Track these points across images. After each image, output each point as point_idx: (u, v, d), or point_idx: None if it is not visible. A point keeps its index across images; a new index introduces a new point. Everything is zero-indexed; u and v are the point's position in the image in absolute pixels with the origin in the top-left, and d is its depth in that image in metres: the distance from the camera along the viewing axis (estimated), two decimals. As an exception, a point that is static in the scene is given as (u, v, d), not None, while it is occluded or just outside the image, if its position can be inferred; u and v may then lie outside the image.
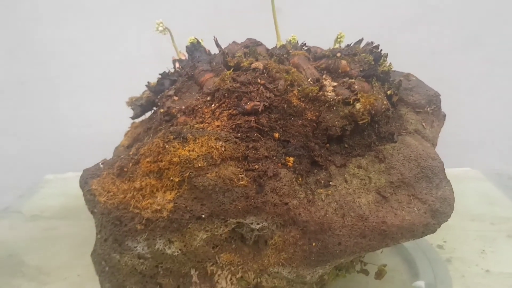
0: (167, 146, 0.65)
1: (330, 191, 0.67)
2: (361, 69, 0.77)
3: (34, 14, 1.57)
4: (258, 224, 0.65)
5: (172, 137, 0.65)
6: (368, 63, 0.78)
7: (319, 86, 0.71)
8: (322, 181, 0.68)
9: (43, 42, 1.60)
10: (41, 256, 1.01)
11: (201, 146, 0.64)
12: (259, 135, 0.67)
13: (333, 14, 1.50)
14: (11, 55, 1.61)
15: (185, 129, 0.66)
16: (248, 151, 0.65)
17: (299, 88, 0.70)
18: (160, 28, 0.84)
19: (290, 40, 0.85)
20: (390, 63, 0.79)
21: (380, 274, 0.79)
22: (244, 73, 0.73)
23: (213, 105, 0.70)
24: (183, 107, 0.73)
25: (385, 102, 0.74)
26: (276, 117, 0.68)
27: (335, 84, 0.73)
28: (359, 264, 0.81)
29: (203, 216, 0.63)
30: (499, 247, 0.99)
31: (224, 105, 0.69)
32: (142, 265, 0.67)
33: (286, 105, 0.69)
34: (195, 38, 0.82)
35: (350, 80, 0.74)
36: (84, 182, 0.69)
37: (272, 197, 0.64)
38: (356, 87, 0.72)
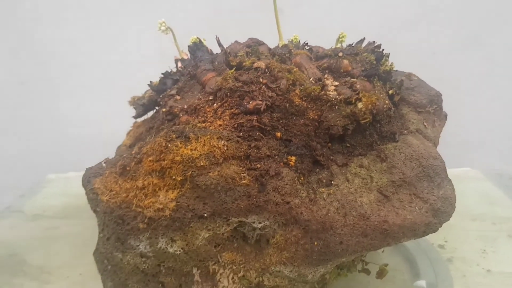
0: (169, 145, 0.65)
1: (332, 190, 0.67)
2: (363, 68, 0.77)
3: (34, 14, 1.58)
4: (260, 223, 0.65)
5: (174, 136, 0.65)
6: (370, 62, 0.78)
7: (321, 85, 0.71)
8: (324, 180, 0.68)
9: (44, 42, 1.61)
10: (43, 255, 1.01)
11: (204, 145, 0.64)
12: (261, 134, 0.67)
13: (333, 15, 1.50)
14: (13, 55, 1.61)
15: (187, 128, 0.67)
16: (250, 150, 0.66)
17: (301, 88, 0.70)
18: (163, 28, 0.84)
19: (292, 40, 0.86)
20: (392, 62, 0.79)
21: (381, 274, 0.79)
22: (246, 72, 0.73)
23: (215, 104, 0.71)
24: (186, 106, 0.73)
25: (386, 101, 0.74)
26: (278, 116, 0.69)
27: (337, 83, 0.74)
28: (360, 263, 0.81)
29: (205, 215, 0.64)
30: (500, 247, 0.99)
31: (226, 104, 0.69)
32: (144, 263, 0.67)
33: (288, 104, 0.69)
34: (197, 38, 0.82)
35: (352, 79, 0.74)
36: (87, 181, 0.70)
37: (274, 196, 0.64)
38: (358, 86, 0.72)
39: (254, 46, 0.80)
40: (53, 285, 0.91)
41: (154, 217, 0.63)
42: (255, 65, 0.73)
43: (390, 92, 0.77)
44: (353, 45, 0.84)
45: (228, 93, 0.70)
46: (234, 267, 0.68)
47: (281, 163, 0.66)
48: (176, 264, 0.68)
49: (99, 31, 1.57)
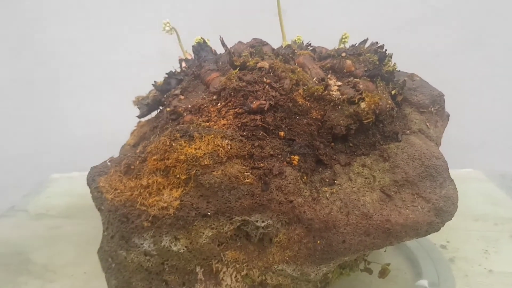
0: (173, 144, 0.65)
1: (334, 190, 0.68)
2: (365, 69, 0.77)
3: (36, 14, 1.58)
4: (263, 221, 0.66)
5: (178, 135, 0.66)
6: (372, 63, 0.78)
7: (324, 85, 0.71)
8: (327, 180, 0.69)
9: (48, 42, 1.61)
10: (47, 254, 1.02)
11: (207, 144, 0.65)
12: (265, 134, 0.68)
13: (336, 15, 1.51)
14: (19, 55, 1.62)
15: (191, 128, 0.67)
16: (253, 150, 0.66)
17: (304, 87, 0.71)
18: (167, 28, 0.84)
19: (295, 40, 0.86)
20: (395, 63, 0.80)
21: (383, 273, 0.79)
22: (250, 72, 0.74)
23: (219, 104, 0.71)
24: (190, 106, 0.73)
25: (389, 101, 0.74)
26: (281, 116, 0.69)
27: (340, 83, 0.74)
28: (363, 262, 0.81)
29: (209, 213, 0.64)
30: (502, 247, 0.99)
31: (230, 104, 0.70)
32: (148, 262, 0.68)
33: (291, 104, 0.70)
34: (202, 38, 0.83)
35: (355, 79, 0.75)
36: (92, 179, 0.70)
37: (277, 195, 0.64)
38: (361, 86, 0.72)
39: (257, 46, 0.80)
40: (58, 283, 0.91)
41: (158, 216, 0.64)
42: (259, 65, 0.74)
43: (393, 92, 0.77)
44: (356, 45, 0.84)
45: (232, 93, 0.71)
46: (237, 266, 0.69)
47: (285, 162, 0.67)
48: (180, 262, 0.68)
49: (104, 31, 1.57)
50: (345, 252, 0.65)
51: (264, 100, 0.68)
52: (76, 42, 1.60)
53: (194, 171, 0.63)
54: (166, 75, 0.84)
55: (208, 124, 0.69)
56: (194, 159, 0.64)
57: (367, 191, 0.69)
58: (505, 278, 0.88)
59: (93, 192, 0.69)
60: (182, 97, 0.76)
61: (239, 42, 0.86)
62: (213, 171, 0.63)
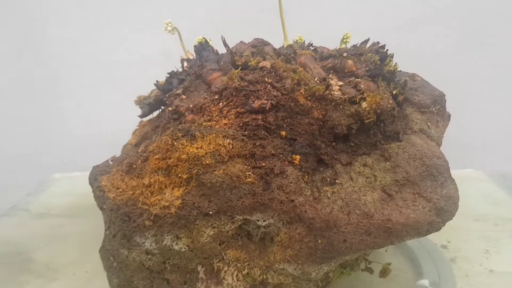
0: (175, 143, 0.65)
1: (336, 189, 0.68)
2: (367, 68, 0.78)
3: (39, 14, 1.59)
4: (264, 221, 0.66)
5: (180, 134, 0.66)
6: (374, 63, 0.79)
7: (325, 85, 0.71)
8: (328, 179, 0.69)
9: (50, 42, 1.62)
10: (48, 253, 1.02)
11: (209, 143, 0.65)
12: (266, 133, 0.68)
13: (336, 16, 1.51)
14: (21, 55, 1.62)
15: (193, 127, 0.67)
16: (255, 149, 0.66)
17: (306, 87, 0.71)
18: (169, 28, 0.85)
19: (297, 40, 0.86)
20: (396, 63, 0.80)
21: (384, 273, 0.79)
22: (252, 72, 0.74)
23: (221, 104, 0.71)
24: (191, 106, 0.74)
25: (390, 101, 0.75)
26: (283, 115, 0.69)
27: (341, 83, 0.74)
28: (363, 262, 0.81)
29: (211, 212, 0.64)
30: (503, 247, 0.99)
31: (231, 103, 0.70)
32: (149, 261, 0.68)
33: (293, 103, 0.70)
34: (203, 38, 0.83)
35: (356, 79, 0.75)
36: (94, 178, 0.70)
37: (279, 194, 0.64)
38: (362, 86, 0.73)
39: (259, 46, 0.81)
40: (59, 282, 0.91)
41: (160, 215, 0.64)
42: (261, 64, 0.74)
43: (394, 92, 0.78)
44: (357, 45, 0.84)
45: (234, 92, 0.71)
46: (239, 265, 0.69)
47: (286, 162, 0.67)
48: (181, 261, 0.68)
49: (102, 31, 1.58)
50: (346, 251, 0.66)
51: (265, 99, 0.69)
52: (77, 42, 1.61)
53: (195, 170, 0.64)
54: (168, 75, 0.84)
55: (209, 123, 0.69)
56: (195, 158, 0.64)
57: (368, 190, 0.69)
58: (506, 278, 0.88)
59: (95, 191, 0.69)
60: (184, 96, 0.77)
61: (241, 42, 0.86)
62: (215, 170, 0.64)
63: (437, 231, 0.68)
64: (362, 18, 1.49)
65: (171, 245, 0.66)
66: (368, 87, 0.73)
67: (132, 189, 0.66)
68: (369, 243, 0.66)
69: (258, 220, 0.66)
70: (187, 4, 1.51)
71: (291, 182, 0.65)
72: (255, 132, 0.67)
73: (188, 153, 0.64)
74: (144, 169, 0.67)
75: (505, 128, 1.57)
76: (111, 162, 0.73)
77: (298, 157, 0.68)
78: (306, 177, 0.68)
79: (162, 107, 0.88)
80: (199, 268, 0.69)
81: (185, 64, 0.87)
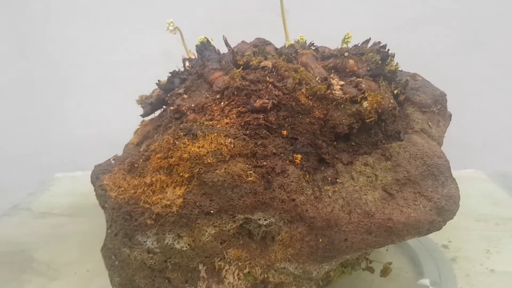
0: (177, 142, 0.66)
1: (337, 188, 0.68)
2: (368, 68, 0.78)
3: (40, 14, 1.59)
4: (265, 220, 0.66)
5: (182, 133, 0.66)
6: (375, 62, 0.79)
7: (327, 84, 0.72)
8: (329, 178, 0.69)
9: (52, 42, 1.62)
10: (50, 252, 1.02)
11: (211, 142, 0.65)
12: (268, 133, 0.68)
13: (337, 16, 1.51)
14: (22, 55, 1.63)
15: (195, 126, 0.68)
16: (256, 148, 0.66)
17: (307, 87, 0.71)
18: (171, 28, 0.85)
19: (298, 40, 0.87)
20: (397, 62, 0.80)
21: (385, 272, 0.79)
22: (253, 71, 0.74)
23: (222, 103, 0.72)
24: (193, 105, 0.74)
25: (391, 101, 0.75)
26: (284, 115, 0.70)
27: (342, 83, 0.75)
28: (364, 261, 0.81)
29: (212, 211, 0.64)
30: (503, 247, 1.00)
31: (233, 102, 0.70)
32: (151, 259, 0.68)
33: (294, 103, 0.70)
34: (205, 38, 0.83)
35: (358, 79, 0.75)
36: (96, 177, 0.70)
37: (280, 193, 0.65)
38: (363, 86, 0.73)
39: (261, 46, 0.81)
40: (61, 281, 0.92)
41: (162, 213, 0.64)
42: (262, 64, 0.74)
43: (395, 91, 0.78)
44: (358, 45, 0.85)
45: (235, 92, 0.71)
46: (240, 264, 0.69)
47: (287, 161, 0.67)
48: (183, 260, 0.68)
49: (103, 32, 1.58)
50: (347, 250, 0.66)
51: (267, 99, 0.69)
52: (78, 42, 1.61)
53: (197, 169, 0.64)
54: (170, 74, 0.84)
55: (211, 122, 0.69)
56: (197, 158, 0.64)
57: (369, 189, 0.69)
58: (506, 278, 0.88)
59: (97, 190, 0.69)
60: (185, 96, 0.77)
61: (242, 41, 0.86)
62: (216, 170, 0.64)
63: (438, 230, 0.68)
64: (363, 18, 1.49)
65: (173, 244, 0.66)
66: (369, 86, 0.73)
67: (134, 188, 0.66)
68: (370, 242, 0.66)
69: (259, 219, 0.66)
70: (187, 4, 1.51)
71: (292, 181, 0.65)
72: (257, 131, 0.68)
73: (189, 152, 0.64)
74: (146, 168, 0.67)
75: (506, 128, 1.57)
76: (113, 161, 0.73)
77: (299, 156, 0.68)
78: (307, 176, 0.68)
79: (164, 107, 0.88)
80: (200, 267, 0.69)
81: (187, 63, 0.87)
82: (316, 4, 1.53)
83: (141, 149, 0.71)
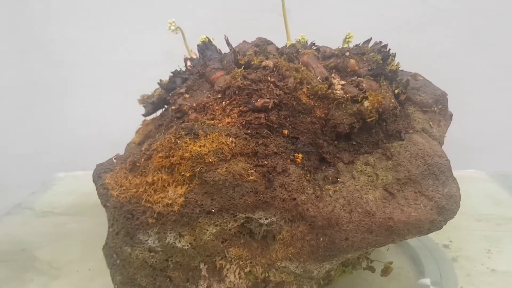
0: (178, 141, 0.66)
1: (337, 187, 0.68)
2: (369, 68, 0.78)
3: (42, 15, 1.59)
4: (266, 219, 0.66)
5: (183, 133, 0.66)
6: (376, 62, 0.79)
7: (328, 84, 0.72)
8: (330, 178, 0.69)
9: (53, 42, 1.62)
10: (52, 251, 1.03)
11: (212, 142, 0.65)
12: (269, 132, 0.68)
13: (339, 16, 1.51)
14: (23, 56, 1.63)
15: (196, 125, 0.68)
16: (257, 147, 0.67)
17: (308, 86, 0.72)
18: (172, 28, 0.85)
19: (299, 40, 0.87)
20: (398, 62, 0.80)
21: (386, 271, 0.80)
22: (255, 71, 0.74)
23: (223, 102, 0.72)
24: (194, 104, 0.74)
25: (392, 100, 0.75)
26: (285, 114, 0.70)
27: (343, 82, 0.75)
28: (365, 261, 0.81)
29: (213, 210, 0.65)
30: (504, 247, 1.00)
31: (234, 102, 0.71)
32: (152, 258, 0.68)
33: (295, 102, 0.70)
34: (207, 37, 0.84)
35: (359, 78, 0.75)
36: (98, 176, 0.71)
37: (281, 193, 0.65)
38: (364, 85, 0.73)
39: (262, 46, 0.81)
40: (63, 280, 0.92)
41: (163, 212, 0.64)
42: (263, 64, 0.75)
43: (396, 91, 0.78)
44: (360, 45, 0.85)
45: (237, 91, 0.71)
46: (241, 263, 0.69)
47: (288, 160, 0.67)
48: (184, 259, 0.68)
49: (105, 32, 1.58)
50: (348, 249, 0.66)
51: (268, 98, 0.69)
52: (80, 43, 1.61)
53: (198, 169, 0.64)
54: (172, 74, 0.84)
55: (212, 122, 0.70)
56: (198, 157, 0.64)
57: (370, 189, 0.69)
58: (507, 278, 0.89)
59: (99, 188, 0.70)
60: (187, 95, 0.77)
61: (244, 41, 0.86)
62: (218, 169, 0.64)
63: (439, 229, 0.69)
64: (364, 18, 1.49)
65: (174, 242, 0.66)
66: (370, 86, 0.74)
67: (136, 187, 0.67)
68: (371, 241, 0.66)
69: (260, 218, 0.66)
70: (188, 4, 1.51)
71: (293, 181, 0.66)
72: (258, 131, 0.68)
73: (191, 151, 0.65)
74: (147, 167, 0.68)
75: (507, 128, 1.57)
76: (114, 160, 0.73)
77: (300, 155, 0.68)
78: (308, 175, 0.68)
79: (166, 106, 0.89)
80: (201, 265, 0.69)
81: (189, 63, 0.87)
82: (317, 4, 1.53)
83: (143, 148, 0.72)
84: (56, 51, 1.63)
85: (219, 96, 0.73)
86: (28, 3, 1.58)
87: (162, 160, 0.66)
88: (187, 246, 0.67)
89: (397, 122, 0.77)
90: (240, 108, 0.70)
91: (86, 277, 0.92)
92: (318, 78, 0.75)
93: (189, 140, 0.66)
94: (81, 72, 1.65)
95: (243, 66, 0.75)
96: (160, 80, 0.86)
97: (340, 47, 0.85)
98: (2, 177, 1.62)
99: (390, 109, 0.74)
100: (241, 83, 0.71)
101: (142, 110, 0.92)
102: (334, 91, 0.72)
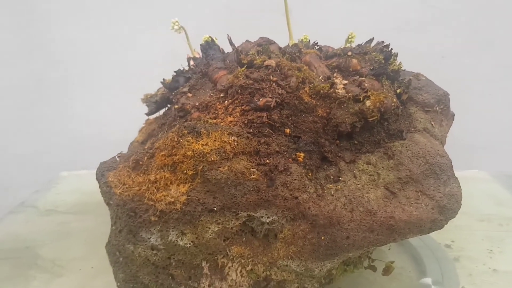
0: (181, 140, 0.66)
1: (339, 186, 0.69)
2: (371, 67, 0.78)
3: (46, 15, 1.60)
4: (268, 217, 0.66)
5: (186, 131, 0.67)
6: (378, 62, 0.79)
7: (330, 83, 0.72)
8: (332, 177, 0.70)
9: (56, 42, 1.63)
10: (55, 249, 1.03)
11: (214, 140, 0.65)
12: (271, 131, 0.69)
13: (342, 17, 1.51)
14: (28, 55, 1.63)
15: (199, 124, 0.68)
16: (260, 146, 0.67)
17: (310, 85, 0.72)
18: (176, 27, 0.86)
19: (302, 40, 0.87)
20: (400, 62, 0.80)
21: (387, 271, 0.80)
22: (257, 70, 0.74)
23: (226, 101, 0.72)
24: (197, 103, 0.74)
25: (394, 100, 0.75)
26: (287, 113, 0.70)
27: (345, 82, 0.75)
28: (367, 260, 0.82)
29: (215, 209, 0.65)
30: (506, 247, 1.00)
31: (237, 101, 0.71)
32: (155, 256, 0.68)
33: (297, 101, 0.70)
34: (210, 37, 0.84)
35: (361, 78, 0.75)
36: (101, 174, 0.71)
37: (283, 191, 0.65)
38: (366, 85, 0.73)
39: (265, 45, 0.81)
40: (66, 277, 0.92)
41: (166, 210, 0.65)
42: (266, 63, 0.75)
43: (398, 91, 0.78)
44: (362, 44, 0.85)
45: (239, 90, 0.72)
46: (243, 261, 0.69)
47: (290, 159, 0.68)
48: (186, 257, 0.69)
49: (112, 32, 1.59)
50: (349, 248, 0.66)
51: (270, 97, 0.69)
52: (89, 42, 1.62)
53: (201, 167, 0.64)
54: (175, 73, 0.85)
55: (215, 121, 0.70)
56: (201, 155, 0.65)
57: (371, 188, 0.69)
58: (509, 278, 0.88)
59: (102, 186, 0.70)
60: (190, 94, 0.77)
61: (247, 40, 0.86)
62: (220, 167, 0.64)
63: (440, 229, 0.69)
64: (366, 18, 1.49)
65: (176, 240, 0.67)
66: (372, 85, 0.74)
67: (138, 185, 0.67)
68: (372, 240, 0.66)
69: (262, 217, 0.66)
70: (191, 3, 1.51)
71: (295, 179, 0.66)
72: (260, 130, 0.68)
73: (193, 150, 0.65)
74: (150, 166, 0.68)
75: (509, 128, 1.57)
76: (118, 159, 0.74)
77: (302, 154, 0.68)
78: (310, 174, 0.68)
79: (169, 105, 0.89)
80: (203, 264, 0.70)
81: (192, 62, 0.87)
82: (320, 4, 1.53)
83: (146, 147, 0.72)
84: (60, 51, 1.64)
85: (221, 95, 0.73)
86: (28, 3, 1.59)
87: (165, 159, 0.67)
88: (189, 244, 0.67)
89: (399, 121, 0.77)
90: (243, 107, 0.70)
91: (89, 275, 0.92)
92: (320, 78, 0.75)
93: (192, 138, 0.66)
94: (84, 72, 1.65)
95: (245, 66, 0.76)
96: (163, 79, 0.86)
97: (342, 47, 0.85)
98: (6, 176, 1.63)
99: (392, 108, 0.74)
100: (244, 82, 0.72)
101: (145, 109, 0.92)
102: (336, 90, 0.72)
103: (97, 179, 0.72)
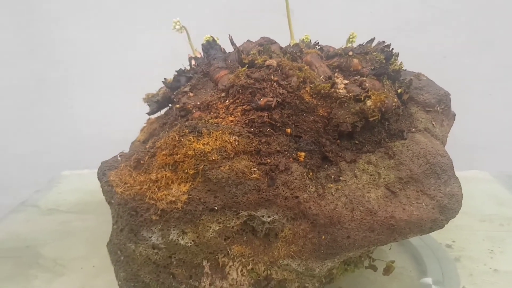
0: (182, 139, 0.66)
1: (340, 186, 0.69)
2: (372, 67, 0.78)
3: (47, 15, 1.60)
4: (269, 216, 0.66)
5: (187, 131, 0.67)
6: (379, 61, 0.79)
7: (331, 83, 0.72)
8: (332, 176, 0.70)
9: (58, 42, 1.63)
10: (57, 248, 1.04)
11: (215, 140, 0.66)
12: (272, 130, 0.69)
13: (343, 17, 1.51)
14: (28, 55, 1.64)
15: (200, 124, 0.68)
16: (260, 146, 0.67)
17: (311, 85, 0.72)
18: (177, 27, 0.86)
19: (303, 39, 0.87)
20: (401, 62, 0.81)
21: (388, 270, 0.80)
22: (258, 70, 0.75)
23: (227, 101, 0.72)
24: (198, 103, 0.75)
25: (395, 100, 0.75)
26: (288, 113, 0.70)
27: (346, 81, 0.75)
28: (367, 259, 0.82)
29: (216, 208, 0.65)
30: (507, 247, 1.00)
31: (238, 100, 0.71)
32: (156, 255, 0.68)
33: (298, 101, 0.71)
34: (211, 36, 0.84)
35: (362, 78, 0.75)
36: (102, 173, 0.71)
37: (283, 191, 0.65)
38: (367, 84, 0.73)
39: (266, 45, 0.81)
40: (67, 276, 0.92)
41: (167, 209, 0.65)
42: (267, 63, 0.75)
43: (399, 91, 0.78)
44: (363, 44, 0.85)
45: (240, 90, 0.72)
46: (243, 260, 0.69)
47: (291, 159, 0.68)
48: (187, 256, 0.69)
49: (114, 32, 1.59)
50: (350, 247, 0.66)
51: (271, 97, 0.70)
52: (91, 42, 1.62)
53: (202, 166, 0.65)
54: (176, 73, 0.85)
55: (216, 120, 0.70)
56: (202, 155, 0.65)
57: (372, 187, 0.69)
58: (510, 278, 0.88)
59: (104, 185, 0.70)
60: (191, 94, 0.78)
61: (248, 40, 0.87)
62: (221, 167, 0.64)
63: (440, 228, 0.69)
64: (368, 18, 1.49)
65: (177, 239, 0.67)
66: (373, 85, 0.74)
67: (140, 184, 0.67)
68: (372, 240, 0.66)
69: (263, 216, 0.67)
70: (192, 4, 1.52)
71: (296, 179, 0.66)
72: (261, 129, 0.68)
73: (194, 149, 0.65)
74: (151, 165, 0.68)
75: (510, 128, 1.57)
76: (119, 158, 0.74)
77: (303, 154, 0.68)
78: (311, 174, 0.68)
79: (170, 105, 0.89)
80: (204, 263, 0.70)
81: (193, 62, 0.88)
82: (321, 4, 1.53)
83: (147, 146, 0.72)
84: (62, 51, 1.64)
85: (222, 94, 0.74)
86: (28, 3, 1.59)
87: (166, 158, 0.67)
88: (190, 243, 0.67)
89: (399, 121, 0.77)
90: (244, 106, 0.70)
91: (91, 274, 0.92)
92: (321, 77, 0.75)
93: (193, 138, 0.66)
94: (83, 72, 1.66)
95: (246, 65, 0.76)
96: (165, 78, 0.87)
97: (343, 47, 0.85)
98: (6, 176, 1.64)
99: (392, 108, 0.74)
100: (245, 82, 0.72)
101: (146, 109, 0.92)
102: (337, 90, 0.73)
103: (98, 178, 0.72)
